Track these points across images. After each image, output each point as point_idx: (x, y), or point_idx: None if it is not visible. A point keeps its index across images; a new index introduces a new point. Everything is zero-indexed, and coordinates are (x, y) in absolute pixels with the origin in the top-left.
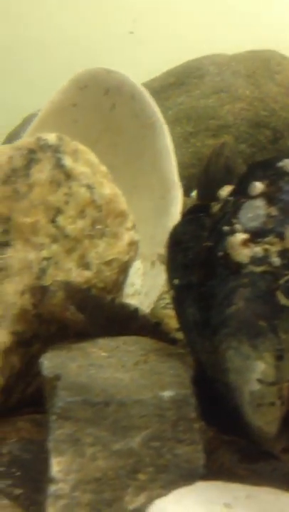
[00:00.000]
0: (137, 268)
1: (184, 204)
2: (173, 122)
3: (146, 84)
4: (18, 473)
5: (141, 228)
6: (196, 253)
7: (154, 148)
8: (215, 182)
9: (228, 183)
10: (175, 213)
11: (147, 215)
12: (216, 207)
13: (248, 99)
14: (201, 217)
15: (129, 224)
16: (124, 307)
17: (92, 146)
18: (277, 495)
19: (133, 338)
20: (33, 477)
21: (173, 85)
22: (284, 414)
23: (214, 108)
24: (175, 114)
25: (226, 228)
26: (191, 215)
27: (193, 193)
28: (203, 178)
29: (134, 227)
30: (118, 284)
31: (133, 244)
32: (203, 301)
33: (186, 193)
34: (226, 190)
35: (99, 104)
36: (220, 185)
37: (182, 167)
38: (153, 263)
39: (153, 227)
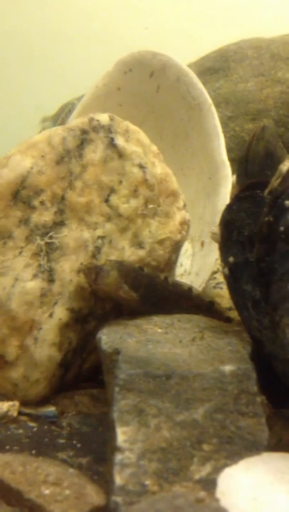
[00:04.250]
0: (185, 249)
1: None
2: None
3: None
4: (79, 445)
5: (189, 209)
6: (252, 230)
7: (201, 129)
8: (256, 166)
9: (269, 166)
10: (224, 193)
11: (195, 195)
12: (275, 182)
13: (287, 82)
14: (257, 194)
15: (180, 203)
16: (178, 286)
17: (139, 125)
18: None
19: (186, 315)
20: (93, 449)
21: (210, 70)
22: None
23: (253, 92)
24: (213, 98)
25: (287, 203)
26: (245, 192)
27: (234, 177)
28: (243, 161)
29: (185, 206)
30: (170, 263)
31: (185, 224)
32: (262, 277)
33: None
34: (286, 165)
35: (143, 87)
36: (261, 169)
37: None
38: (202, 243)
39: (202, 208)
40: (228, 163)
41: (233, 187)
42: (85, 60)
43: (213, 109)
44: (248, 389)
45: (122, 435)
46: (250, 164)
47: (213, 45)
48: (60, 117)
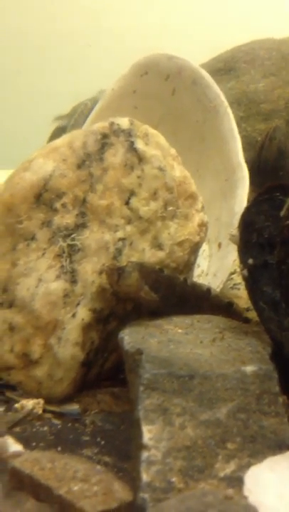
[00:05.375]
0: (202, 250)
1: None
2: None
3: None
4: (103, 442)
5: (206, 211)
6: (272, 233)
7: (217, 131)
8: (268, 166)
9: (282, 166)
10: (241, 195)
11: (212, 197)
12: None
13: None
14: (276, 196)
15: (199, 205)
16: (197, 287)
17: (156, 128)
18: None
19: (206, 316)
20: (116, 446)
21: (221, 70)
22: None
23: (265, 92)
24: (227, 99)
25: None
26: (265, 194)
27: None
28: (256, 162)
29: (203, 208)
30: (189, 265)
31: (203, 226)
32: (283, 279)
33: None
34: None
35: (159, 89)
36: (273, 169)
37: None
38: (219, 245)
39: (218, 210)
40: (244, 165)
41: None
42: (96, 60)
43: (229, 111)
44: (270, 389)
45: (147, 433)
46: (263, 164)
47: (224, 46)
48: (73, 118)
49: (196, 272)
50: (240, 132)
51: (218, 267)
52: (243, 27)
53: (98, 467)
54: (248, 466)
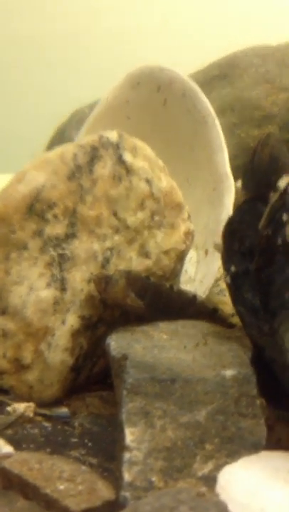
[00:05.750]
0: (190, 256)
1: None
2: (217, 114)
3: (193, 76)
4: (90, 444)
5: (194, 218)
6: (253, 241)
7: (206, 141)
8: (261, 172)
9: (274, 172)
10: (228, 204)
11: (200, 206)
12: (274, 196)
13: None
14: (258, 207)
15: (185, 215)
16: (182, 294)
17: (145, 140)
18: None
19: (191, 322)
20: (103, 447)
21: (217, 77)
22: None
23: (258, 99)
24: (219, 105)
25: (285, 217)
26: (247, 204)
27: (239, 183)
28: (249, 168)
29: (189, 217)
30: (175, 272)
31: (189, 234)
32: (261, 287)
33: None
34: (284, 181)
35: (151, 100)
36: (266, 175)
37: (229, 158)
38: (206, 252)
39: (206, 217)
40: (231, 175)
41: (238, 193)
42: (96, 61)
43: (217, 123)
44: (248, 392)
45: (130, 435)
46: (256, 170)
47: (219, 53)
48: (70, 125)
49: (184, 277)
50: (234, 138)
51: (204, 273)
52: (239, 32)
53: (84, 467)
54: (225, 465)
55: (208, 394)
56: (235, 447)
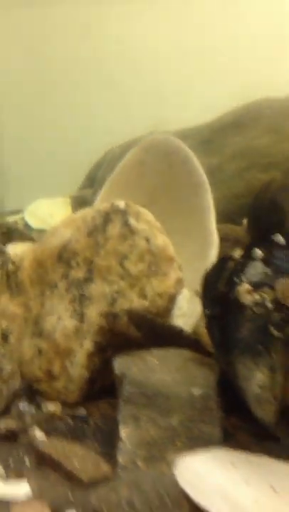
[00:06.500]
0: (184, 295)
1: (236, 231)
2: (229, 159)
3: (209, 124)
4: (99, 437)
5: (189, 264)
6: (217, 293)
7: (199, 203)
8: (262, 214)
9: (274, 215)
10: (212, 255)
11: (193, 256)
12: (231, 263)
13: None
14: (227, 265)
15: (175, 265)
16: (172, 328)
17: (152, 196)
18: (271, 461)
19: (177, 350)
20: (108, 440)
21: (230, 125)
22: (278, 409)
23: (266, 147)
24: (232, 151)
25: (236, 280)
26: (219, 262)
27: (244, 221)
28: (251, 209)
29: (180, 267)
30: (167, 310)
31: (179, 281)
32: (221, 329)
33: (239, 220)
34: (237, 253)
35: (160, 163)
36: (266, 217)
37: (236, 197)
38: (196, 292)
39: (197, 264)
40: (215, 233)
41: (244, 230)
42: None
43: (208, 187)
44: (210, 406)
45: (123, 432)
46: (256, 211)
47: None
48: (103, 166)
49: (179, 312)
50: (242, 180)
51: (193, 309)
52: (250, 85)
53: (93, 453)
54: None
55: (181, 406)
56: (198, 445)
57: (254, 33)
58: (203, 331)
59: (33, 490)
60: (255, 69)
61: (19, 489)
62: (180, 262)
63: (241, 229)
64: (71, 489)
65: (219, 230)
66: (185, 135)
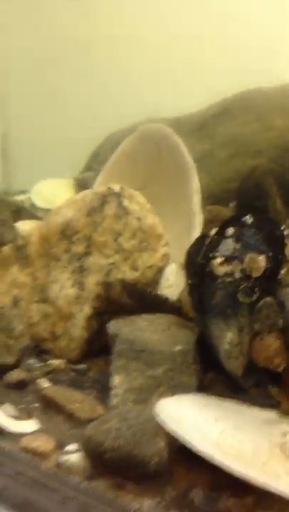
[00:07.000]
0: (171, 268)
1: (224, 213)
2: (220, 145)
3: (202, 112)
4: (96, 386)
5: (176, 241)
6: (196, 266)
7: (186, 186)
8: (248, 196)
9: (258, 196)
10: (196, 233)
11: (180, 233)
12: (208, 240)
13: (279, 128)
14: (204, 241)
15: (163, 242)
16: (159, 296)
17: (145, 180)
18: (238, 405)
19: (163, 315)
20: (103, 389)
21: (223, 113)
22: (246, 363)
23: (254, 135)
24: (222, 138)
25: (211, 254)
26: (198, 239)
27: (232, 204)
28: (238, 192)
29: (167, 244)
30: (155, 281)
31: (165, 256)
32: (200, 296)
33: (228, 203)
34: (212, 231)
35: (151, 150)
36: (251, 198)
37: (226, 181)
38: (181, 265)
39: (184, 240)
40: (199, 214)
41: (231, 212)
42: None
43: (195, 172)
44: (188, 360)
45: (115, 380)
46: (243, 194)
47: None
48: (103, 148)
49: (167, 283)
50: (232, 165)
51: (179, 280)
52: (239, 75)
53: (90, 397)
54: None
55: (164, 359)
56: (178, 391)
57: (253, 21)
58: (188, 300)
59: (40, 427)
60: (254, 57)
61: (29, 426)
62: (168, 239)
63: (228, 211)
64: (72, 427)
65: (209, 212)
66: (180, 122)
